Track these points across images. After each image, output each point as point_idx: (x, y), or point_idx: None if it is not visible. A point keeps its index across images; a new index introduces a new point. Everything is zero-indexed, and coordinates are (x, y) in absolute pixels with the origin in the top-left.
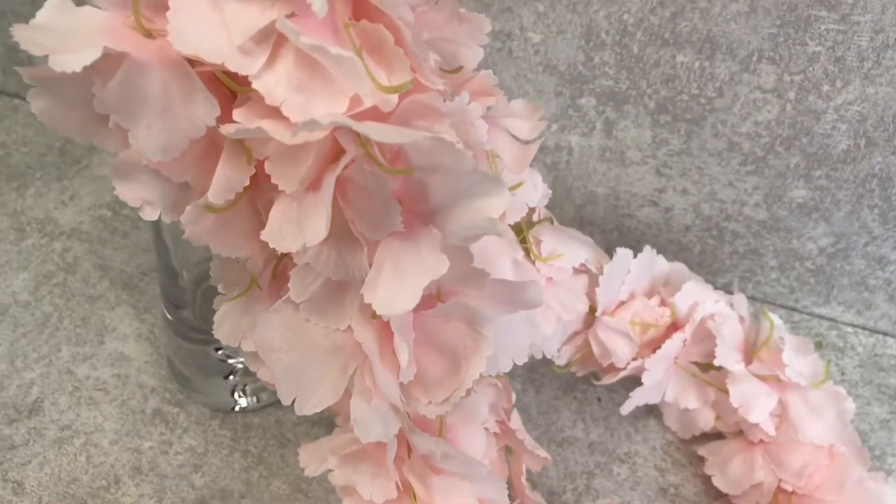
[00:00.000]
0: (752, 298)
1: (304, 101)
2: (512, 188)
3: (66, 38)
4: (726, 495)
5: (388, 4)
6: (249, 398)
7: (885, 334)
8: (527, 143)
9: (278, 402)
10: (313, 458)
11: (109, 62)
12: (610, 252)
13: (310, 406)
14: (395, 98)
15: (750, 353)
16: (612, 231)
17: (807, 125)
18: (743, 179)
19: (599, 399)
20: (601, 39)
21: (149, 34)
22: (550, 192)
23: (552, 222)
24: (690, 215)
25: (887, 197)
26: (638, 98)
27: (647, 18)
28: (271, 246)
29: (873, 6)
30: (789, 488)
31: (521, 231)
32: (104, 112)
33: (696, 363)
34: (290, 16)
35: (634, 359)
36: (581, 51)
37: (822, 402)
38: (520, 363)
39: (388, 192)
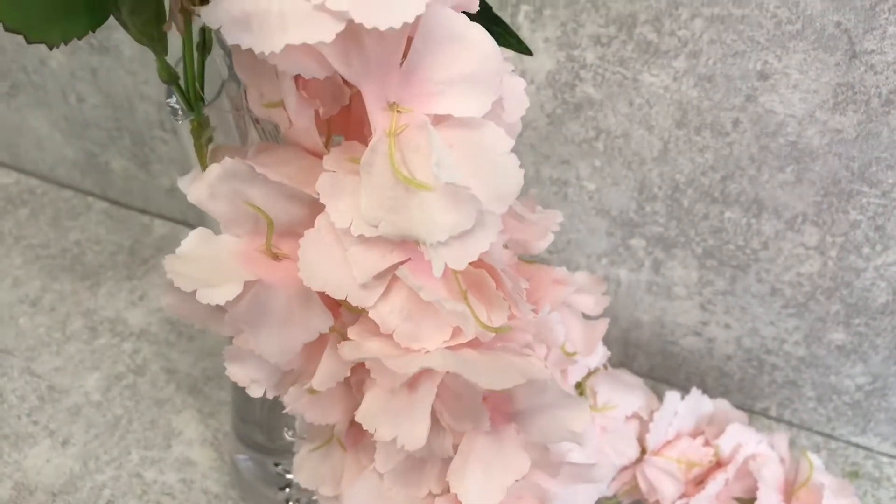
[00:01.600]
0: (788, 423)
1: (413, 329)
2: (572, 355)
3: (209, 270)
4: None
5: (494, 259)
6: None
7: None
8: (593, 318)
9: None
10: None
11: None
12: (653, 375)
13: None
14: (492, 333)
15: (790, 491)
16: (656, 354)
17: (847, 279)
18: (784, 320)
19: None
20: (653, 193)
21: (276, 257)
22: (609, 353)
23: (605, 368)
24: (732, 346)
25: None
26: (686, 244)
27: (698, 179)
28: (364, 427)
29: None
30: None
31: (581, 388)
32: (233, 325)
33: (736, 499)
34: (406, 260)
35: (681, 497)
36: (633, 200)
37: None
38: None
39: (479, 399)
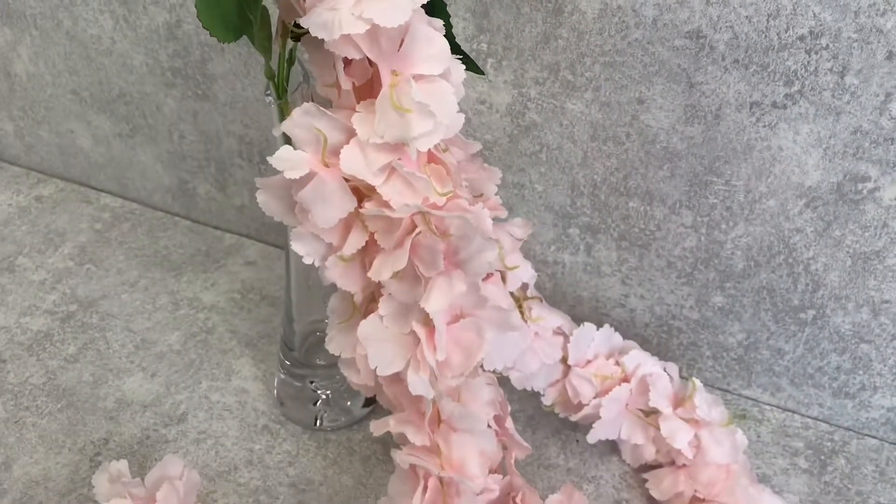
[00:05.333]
0: None
1: (401, 197)
2: (510, 268)
3: (293, 165)
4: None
5: (447, 161)
6: (329, 420)
7: (792, 411)
8: (519, 240)
9: (348, 426)
10: (379, 426)
11: (305, 178)
12: None
13: (385, 368)
14: (444, 199)
15: (678, 403)
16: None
17: (715, 251)
18: (679, 289)
19: (577, 441)
20: (580, 191)
21: (327, 165)
22: (536, 274)
23: (541, 301)
24: (647, 315)
25: (775, 302)
26: (606, 230)
27: (608, 178)
28: (373, 279)
29: (741, 175)
30: (700, 495)
31: (519, 302)
32: (300, 202)
33: (641, 410)
34: (399, 158)
35: (595, 397)
36: (568, 197)
37: (724, 436)
38: (508, 365)
39: (439, 249)
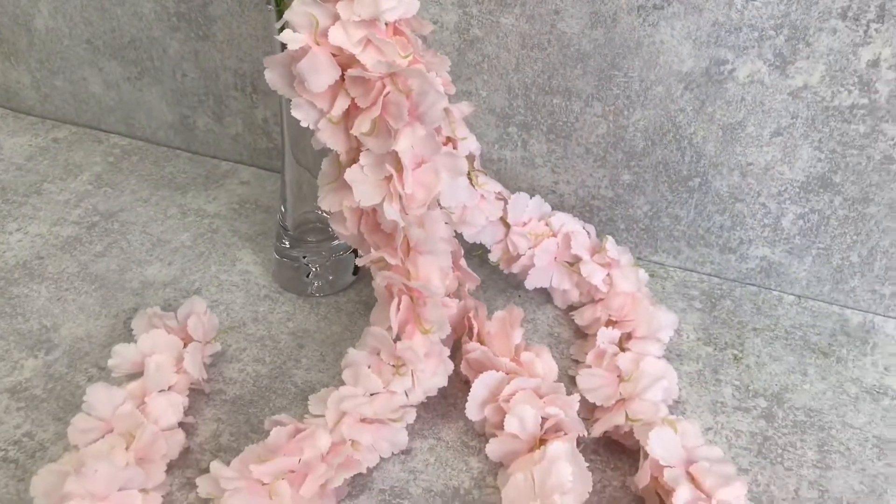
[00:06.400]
0: None
1: (376, 61)
2: (461, 139)
3: (292, 39)
4: (583, 331)
5: (409, 34)
6: (319, 288)
7: (691, 270)
8: (464, 114)
9: (335, 293)
10: (364, 259)
11: (301, 53)
12: None
13: (367, 201)
14: (407, 60)
15: (594, 252)
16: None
17: (620, 135)
18: (596, 172)
19: (520, 295)
20: (515, 93)
21: (318, 43)
22: (480, 146)
23: (485, 174)
24: (573, 198)
25: (669, 175)
26: (537, 126)
27: (536, 80)
28: (354, 133)
29: (635, 67)
30: (613, 318)
31: (468, 170)
32: (297, 74)
33: (567, 262)
34: (373, 29)
35: (530, 249)
36: (506, 100)
37: (630, 272)
38: (459, 204)
39: (404, 105)
